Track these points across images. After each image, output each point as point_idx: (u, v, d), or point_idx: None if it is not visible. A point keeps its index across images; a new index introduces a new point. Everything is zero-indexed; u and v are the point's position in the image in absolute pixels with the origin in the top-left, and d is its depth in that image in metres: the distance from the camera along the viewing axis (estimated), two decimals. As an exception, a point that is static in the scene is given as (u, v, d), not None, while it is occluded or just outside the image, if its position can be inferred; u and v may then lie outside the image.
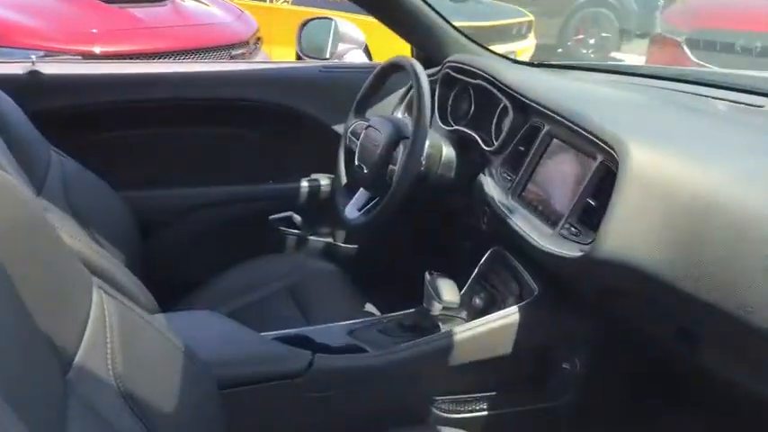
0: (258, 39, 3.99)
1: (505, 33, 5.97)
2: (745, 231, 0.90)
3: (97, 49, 3.19)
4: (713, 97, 1.48)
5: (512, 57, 1.87)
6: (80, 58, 3.05)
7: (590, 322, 1.20)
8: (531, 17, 6.39)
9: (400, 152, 1.42)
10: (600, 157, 1.13)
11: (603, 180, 1.12)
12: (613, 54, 8.65)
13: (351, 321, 1.32)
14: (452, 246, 1.79)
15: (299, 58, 2.19)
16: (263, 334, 1.18)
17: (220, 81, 1.77)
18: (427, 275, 1.25)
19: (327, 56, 2.02)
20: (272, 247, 1.85)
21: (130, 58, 3.16)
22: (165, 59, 3.27)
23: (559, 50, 8.50)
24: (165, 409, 0.79)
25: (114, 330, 0.77)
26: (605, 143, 1.10)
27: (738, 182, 0.97)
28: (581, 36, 8.68)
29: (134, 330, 0.81)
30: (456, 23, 1.81)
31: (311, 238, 1.94)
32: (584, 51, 8.61)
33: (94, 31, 3.33)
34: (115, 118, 1.68)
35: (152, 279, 1.26)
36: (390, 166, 1.44)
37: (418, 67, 1.42)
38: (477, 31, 5.51)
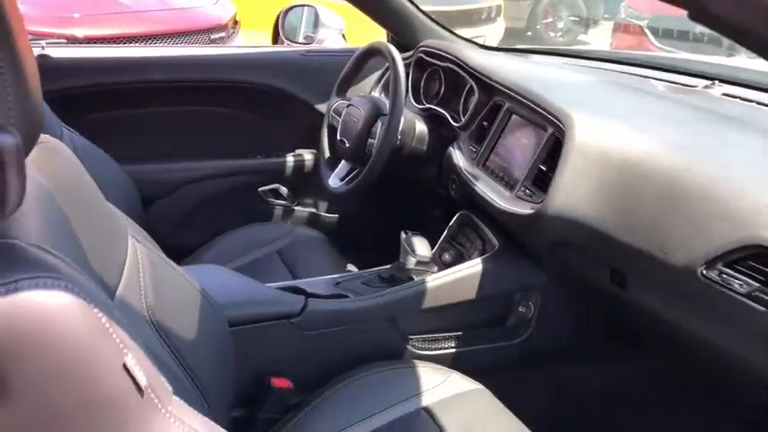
0: (236, 23, 4.09)
1: (475, 17, 6.12)
2: (667, 189, 1.10)
3: (79, 33, 3.27)
4: (655, 78, 1.69)
5: (479, 41, 2.05)
6: (64, 41, 3.15)
7: (542, 271, 1.40)
8: (500, 1, 6.53)
9: (378, 128, 1.60)
10: (550, 130, 1.33)
11: (553, 149, 1.32)
12: (581, 37, 8.79)
13: (337, 275, 1.50)
14: (425, 211, 1.98)
15: (275, 42, 2.35)
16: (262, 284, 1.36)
17: (215, 65, 1.93)
18: (403, 234, 1.44)
19: (305, 40, 2.19)
20: (261, 216, 2.02)
21: (112, 42, 3.27)
22: (146, 43, 3.38)
23: (528, 34, 8.62)
24: (187, 338, 0.95)
25: (146, 271, 0.92)
26: (554, 117, 1.29)
27: (663, 148, 1.17)
28: (549, 20, 8.79)
29: (161, 271, 0.97)
30: (427, 8, 1.98)
31: (297, 207, 2.11)
32: (553, 35, 8.72)
33: (76, 15, 3.41)
34: (120, 98, 1.83)
35: None
36: (369, 140, 1.62)
37: (394, 51, 1.59)
38: (448, 16, 5.66)
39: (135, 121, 1.86)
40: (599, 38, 8.58)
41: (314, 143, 2.03)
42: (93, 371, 0.51)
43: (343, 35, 2.34)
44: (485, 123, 1.57)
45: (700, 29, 6.25)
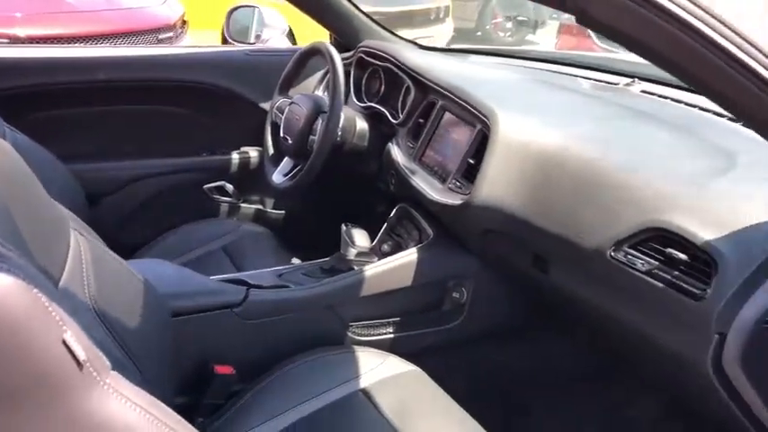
0: (184, 22, 4.09)
1: (424, 18, 6.21)
2: (581, 179, 1.19)
3: (21, 33, 3.21)
4: (582, 77, 1.79)
5: (428, 42, 2.13)
6: (6, 41, 3.12)
7: (474, 258, 1.49)
8: (449, 1, 6.63)
9: (319, 124, 1.66)
10: (478, 126, 1.41)
11: (481, 143, 1.40)
12: (529, 37, 8.92)
13: (279, 267, 1.56)
14: (367, 206, 2.05)
15: (224, 41, 2.39)
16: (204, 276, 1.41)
17: (161, 64, 1.96)
18: (343, 226, 1.51)
19: (253, 40, 2.24)
20: (208, 213, 2.05)
21: (56, 42, 3.23)
22: (92, 43, 3.36)
23: (478, 34, 8.72)
24: (129, 327, 0.98)
25: (89, 263, 0.96)
26: (481, 113, 1.37)
27: (578, 141, 1.26)
28: (498, 20, 8.91)
29: (104, 263, 1.01)
30: (376, 9, 2.05)
31: (243, 204, 2.15)
32: (502, 35, 8.83)
33: (18, 14, 3.33)
34: (64, 98, 1.84)
35: None
36: (311, 137, 1.68)
37: (333, 51, 1.66)
38: (399, 16, 5.74)
39: (81, 120, 1.88)
40: (547, 38, 8.71)
41: (259, 141, 2.07)
42: (33, 347, 0.55)
43: (291, 34, 2.40)
44: (421, 120, 1.65)
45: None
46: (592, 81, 1.75)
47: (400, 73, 1.73)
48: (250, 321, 1.33)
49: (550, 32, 8.77)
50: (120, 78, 1.89)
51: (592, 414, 1.59)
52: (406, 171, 1.59)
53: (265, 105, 2.05)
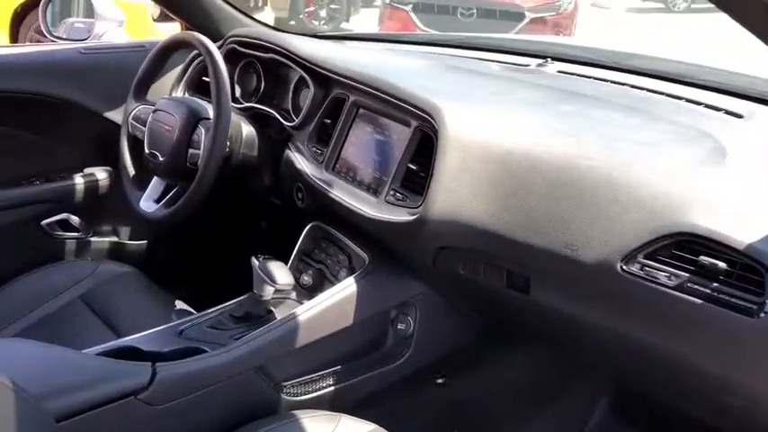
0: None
1: (244, 6, 5.85)
2: (560, 179, 1.00)
3: None
4: (487, 60, 1.61)
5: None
6: None
7: (419, 281, 1.25)
8: (266, -11, 6.36)
9: (201, 135, 1.33)
10: (414, 123, 1.17)
11: (420, 145, 1.17)
12: (343, 25, 8.99)
13: (175, 322, 1.22)
14: (255, 226, 1.74)
15: (14, 41, 1.93)
16: (84, 352, 1.04)
17: None
18: (255, 260, 1.20)
19: (86, 35, 1.81)
20: (51, 257, 1.63)
21: None
22: None
23: (292, 23, 8.58)
24: None
25: None
26: (419, 109, 1.14)
27: (541, 135, 1.07)
28: (312, 8, 8.89)
29: None
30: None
31: (93, 239, 1.74)
32: (316, 23, 8.83)
33: None
34: None
35: None
36: (191, 150, 1.34)
37: (207, 41, 1.33)
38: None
39: None
40: (361, 25, 8.80)
41: (107, 159, 1.69)
42: None
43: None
44: (326, 120, 1.38)
45: (461, 9, 6.64)
46: (501, 63, 1.58)
47: (291, 64, 1.44)
48: (161, 407, 0.99)
49: (364, 20, 8.93)
50: None
51: None
52: (319, 183, 1.32)
53: (111, 114, 1.66)
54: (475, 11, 6.60)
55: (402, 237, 1.17)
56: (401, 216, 1.13)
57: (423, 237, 1.12)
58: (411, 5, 6.93)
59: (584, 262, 0.96)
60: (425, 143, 1.16)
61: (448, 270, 1.17)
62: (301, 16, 8.78)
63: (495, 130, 1.09)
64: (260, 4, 6.33)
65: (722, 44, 4.98)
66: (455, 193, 1.07)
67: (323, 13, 8.94)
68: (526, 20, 6.52)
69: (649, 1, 12.77)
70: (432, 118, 1.11)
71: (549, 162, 1.02)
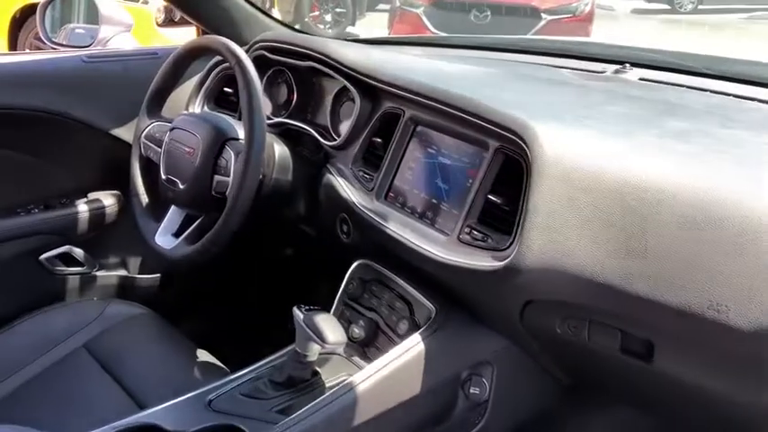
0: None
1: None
2: (695, 215, 0.78)
3: None
4: (555, 66, 1.40)
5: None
6: None
7: (497, 335, 1.03)
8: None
9: (230, 159, 1.12)
10: (494, 144, 0.95)
11: (502, 171, 0.95)
12: (349, 29, 8.87)
13: (202, 390, 1.00)
14: (284, 254, 1.52)
15: (12, 48, 1.73)
16: None
17: None
18: (298, 312, 0.98)
19: (89, 41, 1.59)
20: (52, 295, 1.42)
21: None
22: None
23: (297, 27, 8.45)
24: None
25: None
26: (503, 128, 0.92)
27: (668, 160, 0.85)
28: (316, 12, 8.79)
29: None
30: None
31: (99, 274, 1.53)
32: (322, 27, 8.71)
33: None
34: None
35: None
36: (217, 177, 1.13)
37: (236, 48, 1.12)
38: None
39: None
40: (370, 28, 8.71)
41: (113, 183, 1.49)
42: None
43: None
44: (377, 140, 1.16)
45: (475, 12, 6.47)
46: (571, 71, 1.36)
47: (334, 74, 1.23)
48: None
49: (370, 24, 8.81)
50: None
51: None
52: (371, 215, 1.10)
53: (119, 132, 1.46)
54: (489, 12, 6.41)
55: (483, 286, 0.94)
56: (484, 261, 0.91)
57: (512, 287, 0.90)
58: (422, 8, 6.75)
59: (733, 327, 0.74)
60: (509, 169, 0.94)
61: (539, 327, 0.95)
62: (307, 20, 8.65)
63: (604, 153, 0.87)
64: (267, 6, 6.22)
65: None
66: (557, 233, 0.84)
67: (328, 17, 8.85)
68: (543, 21, 6.31)
69: (655, 2, 12.57)
70: (520, 138, 0.89)
71: (680, 195, 0.80)
